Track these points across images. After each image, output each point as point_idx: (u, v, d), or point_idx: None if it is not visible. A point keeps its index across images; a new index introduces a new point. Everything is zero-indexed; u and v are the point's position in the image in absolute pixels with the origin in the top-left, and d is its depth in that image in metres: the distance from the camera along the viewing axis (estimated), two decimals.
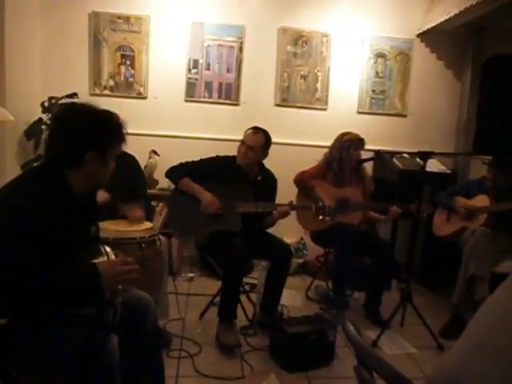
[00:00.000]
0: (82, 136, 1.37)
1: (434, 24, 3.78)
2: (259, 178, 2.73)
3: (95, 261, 1.39)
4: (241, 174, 2.66)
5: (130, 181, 2.46)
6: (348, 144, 2.95)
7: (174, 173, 2.66)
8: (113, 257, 1.47)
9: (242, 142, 2.66)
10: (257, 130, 2.66)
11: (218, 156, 2.74)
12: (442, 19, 3.63)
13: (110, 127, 1.42)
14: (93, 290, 1.30)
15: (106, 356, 1.32)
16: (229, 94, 3.83)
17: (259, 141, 2.62)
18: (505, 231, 2.90)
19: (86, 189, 1.45)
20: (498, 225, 2.91)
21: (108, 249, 1.49)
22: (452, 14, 3.50)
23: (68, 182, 1.39)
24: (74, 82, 3.60)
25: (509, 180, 2.99)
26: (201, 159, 2.70)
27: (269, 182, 2.77)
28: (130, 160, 2.59)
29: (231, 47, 3.78)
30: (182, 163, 2.67)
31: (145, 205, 2.51)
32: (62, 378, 1.40)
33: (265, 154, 2.69)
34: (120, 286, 1.39)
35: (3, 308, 1.24)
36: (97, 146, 1.38)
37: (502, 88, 3.79)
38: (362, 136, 3.01)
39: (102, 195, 2.30)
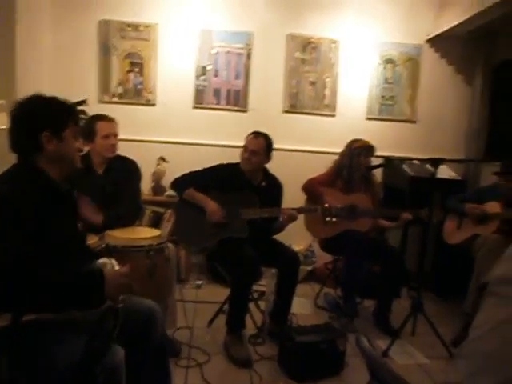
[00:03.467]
0: (32, 119, 1.42)
1: (443, 29, 3.76)
2: (264, 184, 2.72)
3: None
4: (245, 180, 2.66)
5: (123, 184, 2.45)
6: (358, 151, 2.93)
7: (179, 184, 2.66)
8: (117, 267, 1.49)
9: (245, 147, 2.66)
10: (257, 134, 2.66)
11: (221, 164, 2.73)
12: (452, 24, 3.61)
13: (59, 107, 1.46)
14: (96, 293, 1.33)
15: (111, 369, 1.31)
16: (237, 100, 3.83)
17: (261, 144, 2.62)
18: None
19: (61, 173, 1.48)
20: (509, 231, 2.87)
21: (113, 261, 1.51)
22: (462, 20, 3.47)
23: (40, 168, 1.43)
24: (83, 89, 3.62)
25: None
26: (204, 168, 2.70)
27: (274, 188, 2.76)
28: (130, 167, 2.57)
29: (239, 54, 3.79)
30: (185, 174, 2.67)
31: (126, 210, 2.44)
32: None
33: (268, 157, 2.68)
34: (121, 297, 1.41)
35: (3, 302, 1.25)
36: (49, 126, 1.42)
37: None
38: (372, 143, 2.98)
39: (96, 218, 2.29)
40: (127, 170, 2.53)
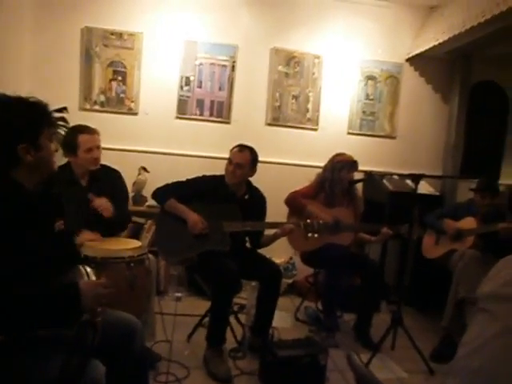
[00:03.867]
0: (5, 133, 1.33)
1: (422, 49, 3.87)
2: (247, 197, 2.71)
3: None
4: (228, 193, 2.64)
5: (110, 197, 2.40)
6: (340, 166, 2.96)
7: (160, 194, 2.61)
8: (93, 278, 1.43)
9: (229, 160, 2.64)
10: (242, 147, 2.65)
11: (204, 175, 2.70)
12: (431, 45, 3.72)
13: (31, 114, 1.37)
14: (72, 309, 1.26)
15: None
16: (220, 112, 3.83)
17: (246, 158, 2.61)
18: (492, 253, 2.92)
19: (38, 180, 1.42)
20: (486, 247, 2.94)
21: (89, 269, 1.45)
22: (441, 41, 3.58)
23: (15, 180, 1.35)
24: (64, 96, 3.55)
25: (494, 202, 3.04)
26: (187, 179, 2.67)
27: (257, 201, 2.75)
28: (114, 176, 2.53)
29: (224, 66, 3.80)
30: (167, 184, 2.63)
31: (120, 222, 2.43)
32: None
33: (253, 170, 2.68)
34: (99, 309, 1.35)
35: None
36: (25, 138, 1.33)
37: (489, 112, 3.88)
38: (355, 158, 3.02)
39: (88, 236, 2.22)
40: (112, 179, 2.48)
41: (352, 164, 2.98)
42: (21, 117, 1.34)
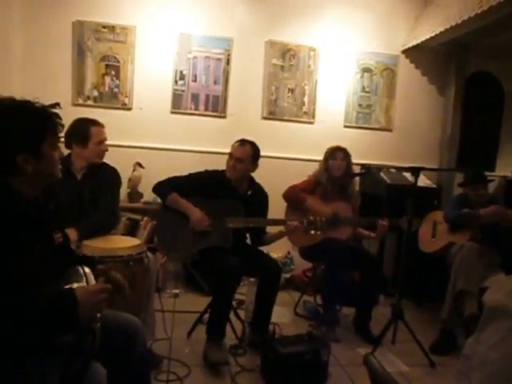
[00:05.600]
0: (3, 141, 1.25)
1: (418, 41, 3.85)
2: (249, 193, 2.68)
3: (73, 286, 1.30)
4: (230, 189, 2.61)
5: (101, 191, 2.36)
6: (327, 155, 2.97)
7: (162, 188, 2.57)
8: (92, 278, 1.39)
9: (230, 155, 2.62)
10: (243, 141, 2.63)
11: (206, 170, 2.68)
12: (427, 36, 3.70)
13: (33, 122, 1.29)
14: (69, 319, 1.21)
15: None
16: (216, 106, 3.79)
17: (247, 152, 2.58)
18: (490, 245, 2.93)
19: (38, 189, 1.36)
20: (484, 239, 2.94)
21: (87, 270, 1.41)
22: (437, 32, 3.57)
23: (13, 189, 1.28)
24: (57, 91, 3.48)
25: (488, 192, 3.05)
26: (189, 174, 2.63)
27: (259, 197, 2.73)
28: (110, 173, 2.49)
29: (218, 59, 3.75)
30: (169, 178, 2.59)
31: (101, 219, 2.35)
32: None
33: (254, 165, 2.65)
34: (99, 314, 1.30)
35: None
36: (24, 147, 1.26)
37: (485, 103, 3.88)
38: (343, 146, 3.00)
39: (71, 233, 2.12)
40: (107, 176, 2.44)
41: (336, 150, 2.96)
42: (21, 124, 1.27)
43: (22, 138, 1.26)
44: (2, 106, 1.29)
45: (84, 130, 2.36)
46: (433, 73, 4.13)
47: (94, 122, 2.41)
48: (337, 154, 2.96)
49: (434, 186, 3.87)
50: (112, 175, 2.48)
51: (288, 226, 2.57)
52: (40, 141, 1.29)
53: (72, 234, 2.07)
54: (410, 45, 3.95)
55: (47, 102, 3.44)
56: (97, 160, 2.42)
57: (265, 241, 2.73)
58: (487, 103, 4.35)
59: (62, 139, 2.41)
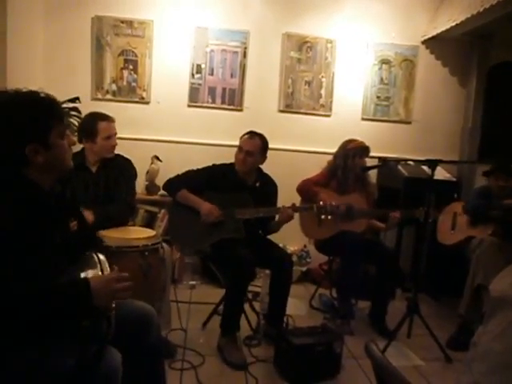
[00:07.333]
0: (11, 133, 1.24)
1: (439, 31, 3.76)
2: (257, 185, 2.69)
3: (88, 273, 1.32)
4: (238, 181, 2.62)
5: (117, 183, 2.39)
6: (353, 152, 2.92)
7: (171, 186, 2.61)
8: (106, 266, 1.39)
9: (240, 148, 2.62)
10: (252, 134, 2.63)
11: (214, 165, 2.69)
12: (448, 26, 3.61)
13: (36, 112, 1.28)
14: (83, 309, 1.24)
15: (108, 373, 1.27)
16: (232, 99, 3.79)
17: (256, 145, 2.58)
18: (511, 241, 2.85)
19: (52, 179, 1.36)
20: (505, 234, 2.87)
21: (102, 257, 1.42)
22: (458, 21, 3.47)
23: (28, 178, 1.29)
24: (76, 86, 3.56)
25: (509, 184, 2.95)
26: (198, 169, 2.66)
27: (268, 188, 2.73)
28: (125, 165, 2.52)
29: (235, 52, 3.75)
30: (178, 175, 2.63)
31: (117, 210, 2.36)
32: None
33: (263, 157, 2.65)
34: (114, 304, 1.32)
35: None
36: (33, 137, 1.26)
37: (508, 95, 3.77)
38: (366, 144, 2.97)
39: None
40: (122, 168, 2.47)
41: (364, 150, 2.93)
42: (26, 115, 1.26)
43: (28, 128, 1.26)
44: (7, 98, 1.28)
45: (91, 126, 2.35)
46: (454, 64, 4.03)
47: (103, 117, 2.39)
48: (364, 154, 2.93)
49: (454, 179, 3.79)
50: (126, 167, 2.51)
51: (281, 212, 2.57)
52: (47, 130, 1.29)
53: (89, 216, 2.12)
54: (431, 35, 3.86)
55: (68, 97, 3.54)
56: (107, 155, 2.41)
57: (273, 228, 2.71)
58: (510, 95, 4.21)
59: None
